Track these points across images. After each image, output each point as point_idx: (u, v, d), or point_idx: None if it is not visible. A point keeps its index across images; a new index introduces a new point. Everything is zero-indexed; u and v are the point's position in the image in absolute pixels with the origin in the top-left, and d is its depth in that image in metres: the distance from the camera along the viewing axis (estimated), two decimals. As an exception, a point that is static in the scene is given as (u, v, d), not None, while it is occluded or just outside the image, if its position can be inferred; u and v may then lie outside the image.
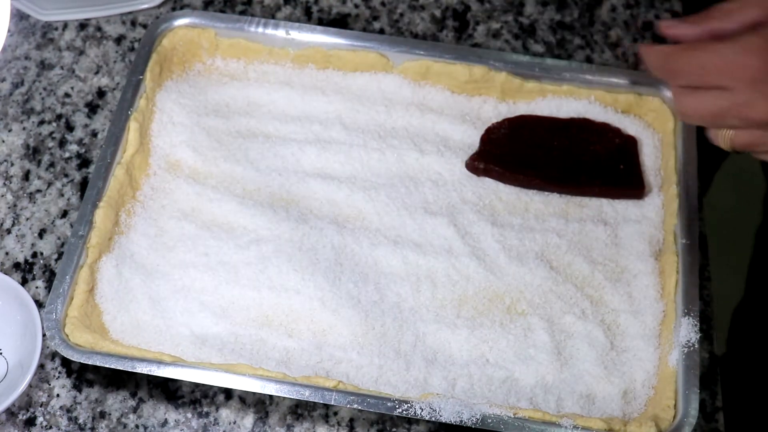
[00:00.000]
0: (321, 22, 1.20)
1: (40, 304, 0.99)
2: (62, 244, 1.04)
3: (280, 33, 1.10)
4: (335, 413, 0.95)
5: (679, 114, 0.82)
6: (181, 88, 1.08)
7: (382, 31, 1.20)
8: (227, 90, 1.10)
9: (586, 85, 1.08)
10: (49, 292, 0.97)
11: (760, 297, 1.25)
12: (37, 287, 1.01)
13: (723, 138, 0.80)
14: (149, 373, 0.89)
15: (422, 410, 0.88)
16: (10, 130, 1.11)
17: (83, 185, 1.07)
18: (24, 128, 1.11)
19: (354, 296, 0.96)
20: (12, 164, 1.09)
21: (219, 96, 1.10)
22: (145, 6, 1.19)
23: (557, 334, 0.96)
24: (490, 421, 0.87)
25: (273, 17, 1.20)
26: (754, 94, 0.74)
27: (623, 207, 1.04)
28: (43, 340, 0.93)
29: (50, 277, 1.02)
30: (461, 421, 0.87)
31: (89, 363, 0.90)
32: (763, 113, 0.74)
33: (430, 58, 1.09)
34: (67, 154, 1.09)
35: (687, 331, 0.93)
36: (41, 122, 1.11)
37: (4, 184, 1.07)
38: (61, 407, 0.95)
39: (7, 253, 1.03)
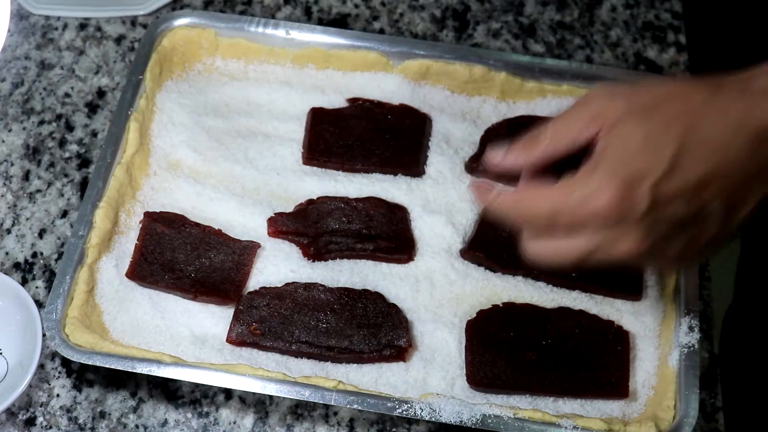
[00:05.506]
0: (321, 22, 1.20)
1: (40, 304, 0.99)
2: (62, 244, 1.04)
3: (280, 33, 1.10)
4: (335, 413, 0.95)
5: (534, 259, 0.77)
6: (181, 88, 1.08)
7: (382, 31, 1.20)
8: (227, 90, 1.10)
9: (586, 85, 1.08)
10: (49, 292, 0.97)
11: (751, 302, 1.25)
12: (37, 287, 1.01)
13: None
14: (149, 373, 0.89)
15: (422, 410, 0.87)
16: (10, 130, 1.11)
17: (83, 185, 1.07)
18: (24, 128, 1.11)
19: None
20: (12, 164, 1.09)
21: (219, 96, 1.10)
22: (141, 13, 1.18)
23: (557, 334, 0.96)
24: (490, 421, 0.87)
25: (273, 17, 1.20)
26: (613, 234, 0.72)
27: (623, 207, 1.04)
28: (43, 340, 0.93)
29: (50, 277, 1.02)
30: (461, 421, 0.87)
31: (89, 363, 0.90)
32: (626, 250, 0.72)
33: (430, 58, 1.09)
34: (67, 154, 1.09)
35: (687, 331, 0.93)
36: (41, 122, 1.11)
37: (4, 184, 1.07)
38: (61, 407, 0.95)
39: (7, 253, 1.03)
